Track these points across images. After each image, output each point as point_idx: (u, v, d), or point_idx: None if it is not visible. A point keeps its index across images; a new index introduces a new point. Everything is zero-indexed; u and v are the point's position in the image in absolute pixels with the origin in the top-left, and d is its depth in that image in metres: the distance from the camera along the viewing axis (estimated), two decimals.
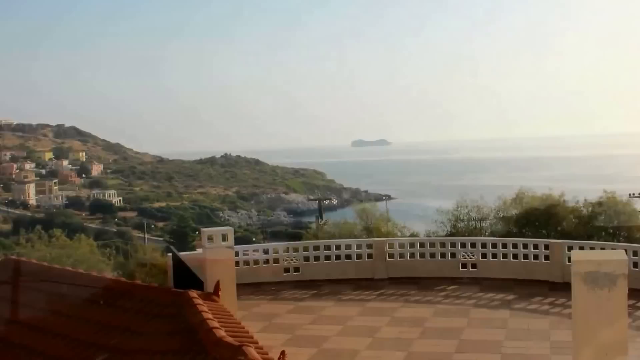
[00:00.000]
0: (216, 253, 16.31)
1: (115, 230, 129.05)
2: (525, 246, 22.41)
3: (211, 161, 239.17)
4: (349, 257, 23.79)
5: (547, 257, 21.79)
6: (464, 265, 22.96)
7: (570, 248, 21.00)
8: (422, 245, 23.71)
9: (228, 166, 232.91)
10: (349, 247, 24.00)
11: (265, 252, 24.08)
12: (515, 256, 22.39)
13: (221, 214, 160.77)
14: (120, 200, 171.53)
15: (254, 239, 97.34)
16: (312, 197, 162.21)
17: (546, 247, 22.03)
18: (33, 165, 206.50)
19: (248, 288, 21.95)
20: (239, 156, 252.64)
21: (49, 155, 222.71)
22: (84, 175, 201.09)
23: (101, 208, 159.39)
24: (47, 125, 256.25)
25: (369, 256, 23.73)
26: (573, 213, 35.65)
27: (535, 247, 22.23)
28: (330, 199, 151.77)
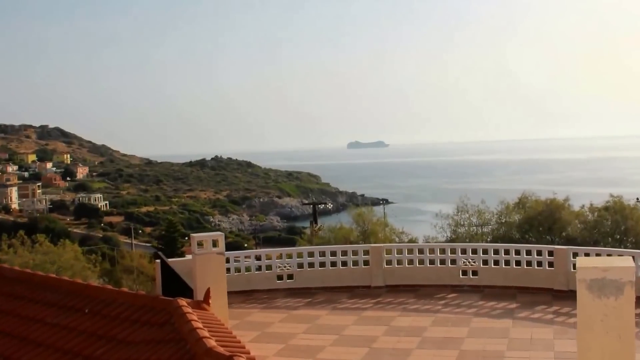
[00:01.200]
0: (206, 260, 16.28)
1: (101, 235, 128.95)
2: (528, 252, 22.40)
3: (201, 164, 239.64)
4: (344, 263, 23.77)
5: (551, 264, 21.79)
6: (464, 273, 22.96)
7: (575, 254, 21.01)
8: (420, 251, 23.70)
9: (219, 169, 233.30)
10: (344, 253, 23.98)
11: (258, 258, 24.06)
12: (518, 263, 22.38)
13: (211, 219, 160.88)
14: (106, 204, 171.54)
15: (245, 245, 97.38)
16: (306, 201, 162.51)
17: (550, 253, 22.02)
18: (15, 167, 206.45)
19: (240, 296, 21.95)
20: (230, 158, 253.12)
21: (32, 157, 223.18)
22: (68, 179, 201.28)
23: (87, 212, 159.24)
24: (30, 126, 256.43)
25: (366, 263, 23.72)
26: (578, 218, 35.76)
27: (539, 253, 22.23)
28: (325, 203, 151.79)
